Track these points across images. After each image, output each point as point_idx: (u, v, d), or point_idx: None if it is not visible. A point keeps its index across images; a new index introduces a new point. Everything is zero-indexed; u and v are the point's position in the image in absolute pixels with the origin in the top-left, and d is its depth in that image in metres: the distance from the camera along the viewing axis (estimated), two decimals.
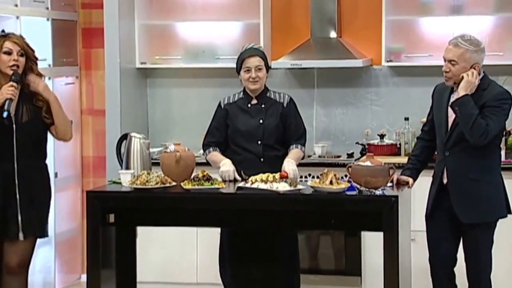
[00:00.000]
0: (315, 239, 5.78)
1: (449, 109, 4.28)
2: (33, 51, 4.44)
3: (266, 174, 4.48)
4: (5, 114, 4.28)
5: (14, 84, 4.30)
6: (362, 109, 6.14)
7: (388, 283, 4.13)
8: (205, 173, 4.51)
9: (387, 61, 5.90)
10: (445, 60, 4.28)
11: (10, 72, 4.32)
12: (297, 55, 5.96)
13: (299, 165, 5.74)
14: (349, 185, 4.34)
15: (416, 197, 4.81)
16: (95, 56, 6.35)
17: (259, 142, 4.74)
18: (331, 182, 4.33)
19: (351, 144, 6.09)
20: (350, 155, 6.00)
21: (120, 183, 4.59)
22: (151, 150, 4.90)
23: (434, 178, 4.40)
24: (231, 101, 4.85)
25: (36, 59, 4.46)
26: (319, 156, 6.00)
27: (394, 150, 5.95)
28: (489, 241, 4.28)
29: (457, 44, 4.25)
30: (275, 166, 4.63)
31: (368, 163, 4.34)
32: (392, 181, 4.38)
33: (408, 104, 5.94)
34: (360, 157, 5.68)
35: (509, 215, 4.38)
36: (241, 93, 4.86)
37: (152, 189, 4.38)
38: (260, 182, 4.42)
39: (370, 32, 6.00)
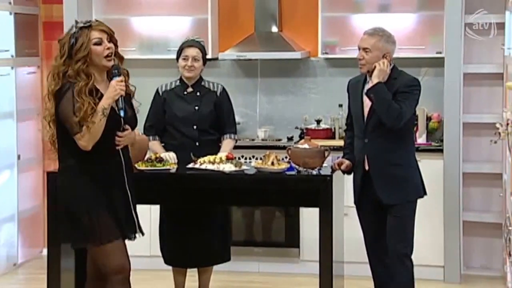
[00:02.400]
0: (258, 214, 5.80)
1: (365, 99, 4.24)
2: (113, 33, 3.75)
3: (214, 156, 4.47)
4: (122, 113, 3.67)
5: (122, 77, 3.69)
6: (301, 97, 6.16)
7: (323, 253, 4.17)
8: (157, 155, 4.48)
9: (323, 54, 5.94)
10: (359, 49, 4.26)
11: (107, 64, 3.66)
12: (242, 47, 5.95)
13: (244, 147, 5.79)
14: (288, 165, 4.36)
15: (349, 177, 4.85)
16: (55, 47, 6.17)
17: (195, 127, 4.72)
18: (272, 163, 4.34)
19: (291, 128, 6.11)
20: (290, 139, 6.02)
21: None
22: None
23: (356, 167, 4.33)
24: (168, 88, 4.82)
25: (117, 41, 3.77)
26: (262, 140, 6.02)
27: (329, 134, 5.99)
28: (411, 220, 4.24)
29: (371, 34, 4.24)
30: (209, 149, 4.62)
31: (306, 146, 4.36)
32: (338, 164, 4.34)
33: (342, 92, 5.85)
34: (299, 140, 5.69)
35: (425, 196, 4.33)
36: (178, 81, 4.83)
37: None
38: (208, 163, 4.42)
39: (308, 27, 6.03)
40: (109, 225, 3.65)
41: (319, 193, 4.19)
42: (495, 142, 3.41)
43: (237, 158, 4.56)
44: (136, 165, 4.37)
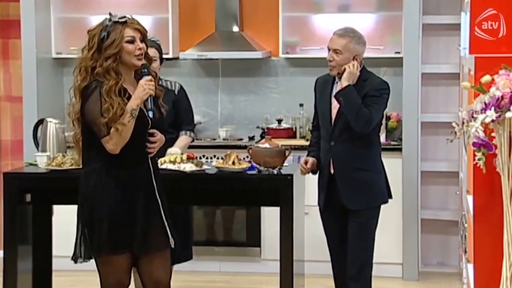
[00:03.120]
0: (220, 214, 5.78)
1: (333, 101, 4.12)
2: (146, 32, 3.53)
3: (174, 156, 4.41)
4: (151, 114, 3.45)
5: (151, 77, 3.47)
6: (262, 96, 6.15)
7: (283, 252, 4.16)
8: None
9: (284, 53, 5.94)
10: (329, 50, 4.11)
11: (138, 63, 3.43)
12: (203, 47, 5.92)
13: (205, 147, 5.74)
14: (249, 165, 4.33)
15: (310, 176, 4.84)
16: (12, 46, 6.15)
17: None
18: (233, 163, 4.31)
19: (252, 128, 6.10)
20: (251, 138, 6.01)
21: (36, 165, 4.44)
22: (66, 134, 4.75)
23: (321, 169, 4.23)
24: None
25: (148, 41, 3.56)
26: (223, 139, 5.99)
27: (290, 133, 5.99)
28: (373, 225, 4.19)
29: (342, 35, 4.10)
30: (169, 147, 4.58)
31: (266, 145, 4.34)
32: (305, 163, 4.25)
33: (303, 92, 5.96)
34: (260, 140, 5.68)
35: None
36: None
37: (67, 170, 4.25)
38: (168, 163, 4.37)
39: (269, 27, 6.01)
40: (123, 236, 3.39)
41: (279, 192, 4.17)
42: (451, 141, 3.42)
43: (198, 158, 4.53)
44: None
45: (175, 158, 4.38)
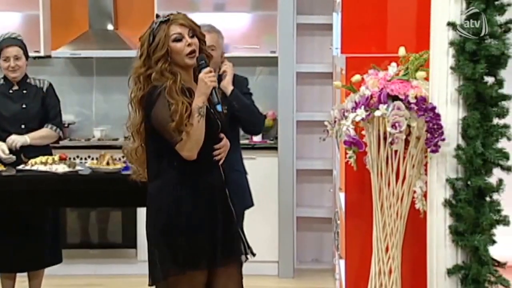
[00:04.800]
0: (94, 216, 5.63)
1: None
2: (198, 27, 3.19)
3: (46, 157, 4.28)
4: (219, 107, 3.08)
5: (210, 68, 3.10)
6: None
7: None
8: None
9: None
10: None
11: (190, 62, 3.10)
12: (76, 45, 5.75)
13: (80, 147, 5.57)
14: (125, 165, 4.24)
15: None
16: None
17: (23, 126, 4.47)
18: (108, 163, 4.22)
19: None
20: (127, 138, 5.85)
21: None
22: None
23: None
24: None
25: (203, 36, 3.19)
26: (98, 139, 5.84)
27: None
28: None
29: (210, 31, 3.85)
30: (41, 149, 4.41)
31: None
32: None
33: None
34: None
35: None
36: (1, 79, 4.55)
37: None
38: (39, 164, 4.22)
39: (145, 25, 5.71)
40: (204, 249, 3.07)
41: None
42: (324, 140, 3.45)
43: (71, 159, 4.38)
44: None
45: (47, 159, 4.25)
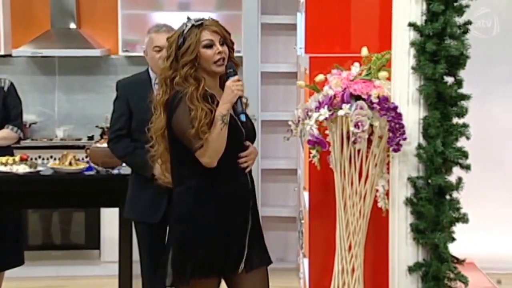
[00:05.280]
0: (56, 217, 5.60)
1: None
2: (229, 34, 3.12)
3: (6, 157, 4.26)
4: (243, 117, 3.05)
5: (238, 77, 3.06)
6: (102, 95, 6.01)
7: (123, 254, 4.12)
8: None
9: (124, 51, 5.84)
10: (160, 50, 3.66)
11: (218, 70, 3.04)
12: (38, 44, 5.72)
13: (42, 147, 5.53)
14: (87, 165, 4.23)
15: None
16: None
17: None
18: (70, 163, 4.21)
19: (91, 127, 5.95)
20: (91, 138, 5.86)
21: None
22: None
23: (148, 181, 3.66)
24: None
25: (233, 44, 3.14)
26: (61, 139, 5.82)
27: None
28: None
29: (169, 31, 3.69)
30: (1, 149, 4.37)
31: (105, 145, 4.23)
32: None
33: None
34: (100, 140, 5.54)
35: None
36: None
37: None
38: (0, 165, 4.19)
39: (108, 24, 5.90)
40: (219, 261, 3.04)
41: (119, 192, 4.08)
42: (288, 139, 3.49)
43: (33, 159, 4.35)
44: None
45: (7, 160, 4.23)
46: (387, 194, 3.27)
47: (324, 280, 3.43)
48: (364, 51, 3.43)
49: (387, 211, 3.25)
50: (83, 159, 4.37)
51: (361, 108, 3.24)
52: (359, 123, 3.21)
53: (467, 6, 3.01)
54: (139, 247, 3.81)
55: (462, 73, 3.10)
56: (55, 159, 5.25)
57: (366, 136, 3.28)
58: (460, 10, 3.00)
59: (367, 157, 3.32)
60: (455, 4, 3.00)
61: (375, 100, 3.21)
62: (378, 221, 3.33)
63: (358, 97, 3.28)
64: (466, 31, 3.03)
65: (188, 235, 3.02)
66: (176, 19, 5.40)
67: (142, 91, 3.61)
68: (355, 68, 3.39)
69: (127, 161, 3.81)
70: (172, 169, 3.10)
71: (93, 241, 5.57)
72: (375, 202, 3.32)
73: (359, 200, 3.33)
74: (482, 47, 4.85)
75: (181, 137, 2.98)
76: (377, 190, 3.31)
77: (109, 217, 5.29)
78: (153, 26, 3.78)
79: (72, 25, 5.86)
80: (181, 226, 3.05)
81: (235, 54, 2.99)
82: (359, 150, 3.31)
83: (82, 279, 5.50)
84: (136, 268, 4.19)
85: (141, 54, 5.77)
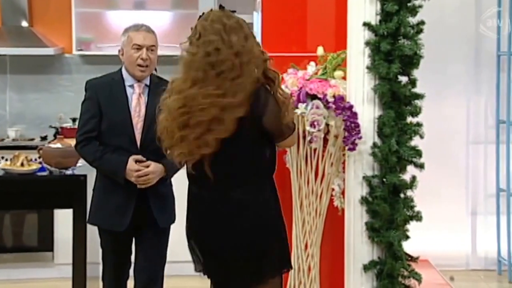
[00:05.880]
0: (8, 218, 5.52)
1: (134, 108, 3.54)
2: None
3: None
4: None
5: None
6: (55, 95, 5.95)
7: (76, 255, 4.05)
8: None
9: (78, 50, 5.79)
10: (140, 48, 3.55)
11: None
12: None
13: None
14: (40, 166, 4.18)
15: None
16: None
17: None
18: (22, 164, 4.15)
19: (45, 127, 5.88)
20: (44, 138, 5.80)
21: None
22: None
23: (111, 188, 3.57)
24: None
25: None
26: (13, 139, 5.74)
27: None
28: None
29: (149, 30, 3.61)
30: None
31: (58, 145, 4.21)
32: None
33: None
34: (53, 140, 5.49)
35: None
36: None
37: None
38: None
39: (61, 22, 5.83)
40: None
41: (72, 193, 4.06)
42: None
43: None
44: None
45: None
46: (342, 193, 3.31)
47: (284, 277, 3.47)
48: (320, 51, 3.48)
49: (342, 210, 3.30)
50: (36, 159, 4.32)
51: (317, 107, 3.28)
52: (315, 122, 3.26)
53: (420, 6, 3.07)
54: (103, 252, 3.77)
55: (416, 73, 3.17)
56: (6, 159, 5.17)
57: (322, 135, 3.32)
58: (414, 11, 3.07)
59: (323, 156, 3.36)
60: (409, 4, 3.06)
61: (331, 100, 3.25)
62: (334, 220, 3.37)
63: (314, 96, 3.32)
64: (419, 31, 3.09)
65: (280, 227, 2.90)
66: (131, 18, 5.42)
67: (114, 92, 3.55)
68: (311, 68, 3.44)
69: (98, 165, 3.61)
70: (245, 165, 2.88)
71: (46, 243, 5.50)
72: (331, 201, 3.37)
73: (315, 199, 3.37)
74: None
75: (275, 128, 2.83)
76: (333, 189, 3.35)
77: (63, 219, 5.24)
78: (131, 26, 3.65)
79: (24, 23, 5.78)
80: (276, 221, 2.90)
81: None
82: (315, 149, 3.35)
83: (34, 282, 5.43)
84: (91, 270, 4.17)
85: (96, 52, 5.80)
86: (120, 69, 3.65)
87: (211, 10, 2.97)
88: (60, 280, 5.26)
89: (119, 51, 3.64)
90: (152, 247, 3.67)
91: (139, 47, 3.55)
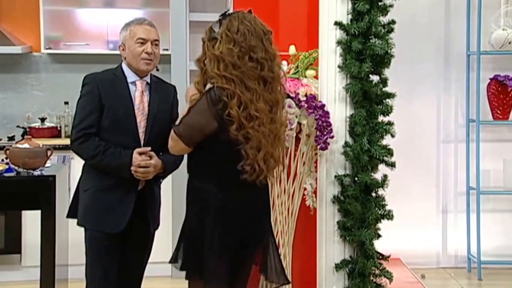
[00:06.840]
0: None
1: (138, 105, 3.47)
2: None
3: None
4: None
5: None
6: (23, 94, 5.90)
7: (44, 258, 4.02)
8: None
9: (46, 49, 5.74)
10: (144, 42, 3.46)
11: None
12: None
13: None
14: (7, 167, 4.15)
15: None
16: None
17: None
18: None
19: (12, 127, 5.83)
20: (11, 138, 5.74)
21: None
22: None
23: (106, 187, 3.51)
24: None
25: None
26: None
27: (55, 132, 5.80)
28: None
29: (152, 24, 3.54)
30: None
31: (26, 145, 4.17)
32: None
33: (68, 89, 5.81)
34: (21, 140, 5.44)
35: None
36: None
37: None
38: None
39: (29, 20, 5.78)
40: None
41: (40, 194, 4.03)
42: None
43: None
44: None
45: None
46: (315, 192, 3.33)
47: (253, 279, 3.48)
48: (292, 50, 3.49)
49: (315, 209, 3.32)
50: (2, 160, 4.29)
51: (289, 106, 3.30)
52: (287, 121, 3.27)
53: (391, 5, 3.10)
54: (91, 255, 3.62)
55: (387, 72, 3.20)
56: None
57: (294, 134, 3.34)
58: (385, 10, 3.10)
59: (295, 155, 3.38)
60: (380, 3, 3.09)
61: (303, 99, 3.27)
62: (306, 220, 3.39)
63: (286, 96, 3.34)
64: (390, 30, 3.12)
65: None
66: (101, 16, 5.41)
67: (117, 88, 3.47)
68: (283, 67, 3.45)
69: (100, 160, 3.45)
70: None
71: (13, 245, 5.44)
72: (303, 200, 3.38)
73: (287, 199, 3.39)
74: None
75: None
76: (305, 189, 3.37)
77: (31, 220, 5.21)
78: (133, 20, 3.57)
79: None
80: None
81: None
82: (287, 149, 3.37)
83: (1, 285, 5.37)
84: (59, 273, 4.14)
85: (65, 51, 5.76)
86: (120, 66, 3.56)
87: None
88: (27, 283, 5.22)
89: (119, 46, 3.55)
90: (142, 249, 3.69)
91: (143, 41, 3.47)
